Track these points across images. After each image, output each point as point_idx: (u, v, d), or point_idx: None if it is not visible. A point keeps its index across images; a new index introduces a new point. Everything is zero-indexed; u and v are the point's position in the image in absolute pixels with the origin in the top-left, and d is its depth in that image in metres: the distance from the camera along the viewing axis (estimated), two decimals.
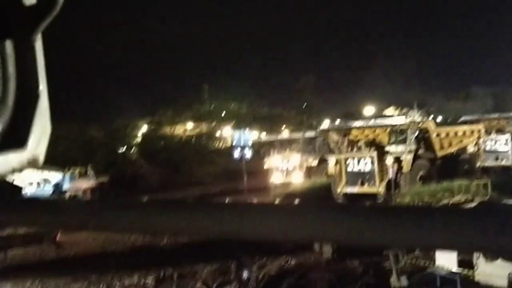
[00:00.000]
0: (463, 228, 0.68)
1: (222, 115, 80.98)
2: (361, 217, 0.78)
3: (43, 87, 0.95)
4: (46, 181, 38.69)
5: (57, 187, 38.53)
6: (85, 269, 19.23)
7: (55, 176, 39.03)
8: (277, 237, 0.89)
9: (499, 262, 14.10)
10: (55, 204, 1.05)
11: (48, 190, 38.30)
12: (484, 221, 0.67)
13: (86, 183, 39.08)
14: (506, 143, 40.60)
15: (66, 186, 38.24)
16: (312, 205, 0.85)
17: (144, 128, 74.98)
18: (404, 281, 14.84)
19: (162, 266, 18.28)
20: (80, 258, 21.54)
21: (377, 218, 0.75)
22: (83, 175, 39.79)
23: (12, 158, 0.89)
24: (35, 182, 38.37)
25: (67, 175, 38.77)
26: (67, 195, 37.36)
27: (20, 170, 0.91)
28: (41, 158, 0.95)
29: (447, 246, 0.70)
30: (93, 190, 39.34)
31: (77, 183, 38.66)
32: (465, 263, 14.40)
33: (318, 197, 31.58)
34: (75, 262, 20.66)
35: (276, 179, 39.50)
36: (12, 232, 21.71)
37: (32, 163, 0.93)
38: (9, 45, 0.92)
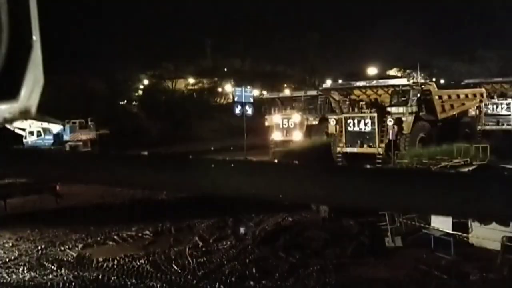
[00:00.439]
0: (444, 193, 0.67)
1: (224, 70, 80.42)
2: (342, 178, 0.77)
3: (36, 37, 0.93)
4: (47, 130, 38.78)
5: (58, 137, 38.63)
6: (84, 220, 19.45)
7: (55, 127, 39.09)
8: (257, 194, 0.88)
9: (493, 225, 14.24)
10: (48, 156, 1.05)
11: (48, 139, 38.43)
12: (464, 187, 0.67)
13: (87, 135, 39.13)
14: (508, 107, 40.52)
15: (66, 136, 38.29)
16: (296, 165, 0.84)
17: (145, 82, 74.67)
18: (398, 241, 15.01)
19: (160, 220, 18.49)
20: (79, 209, 21.75)
21: (359, 179, 0.75)
22: (83, 126, 39.77)
23: (4, 109, 0.88)
24: (36, 132, 38.47)
25: (68, 126, 38.77)
26: (68, 145, 37.47)
27: (12, 120, 0.91)
28: (33, 109, 0.94)
29: (426, 210, 0.70)
30: (93, 141, 39.42)
31: (78, 134, 38.70)
32: (460, 225, 14.55)
33: (318, 156, 31.67)
34: (74, 213, 20.88)
35: (276, 136, 39.55)
36: (12, 181, 21.86)
37: (24, 114, 0.92)
38: None
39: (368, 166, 0.71)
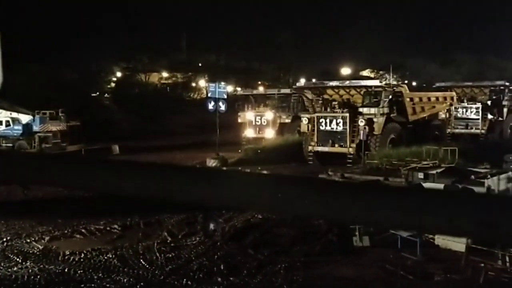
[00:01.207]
0: (387, 207, 0.70)
1: (199, 65, 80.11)
2: (296, 189, 0.80)
3: None
4: (16, 121, 38.13)
5: (27, 128, 38.00)
6: (51, 212, 19.22)
7: (25, 117, 38.45)
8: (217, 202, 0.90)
9: None
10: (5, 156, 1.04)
11: (17, 130, 37.80)
12: (407, 201, 0.70)
13: (57, 126, 38.56)
14: (477, 112, 41.28)
15: (36, 127, 37.70)
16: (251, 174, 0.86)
17: (118, 74, 73.97)
18: (366, 241, 15.15)
19: (129, 214, 18.36)
20: (47, 201, 21.48)
21: (310, 191, 0.77)
22: (54, 117, 39.19)
23: None
24: (5, 121, 37.81)
25: (38, 117, 38.17)
26: (37, 136, 36.93)
27: None
28: None
29: (368, 221, 0.72)
30: (64, 133, 38.89)
31: (48, 125, 38.12)
32: None
33: (289, 154, 31.80)
34: (41, 205, 20.62)
35: (249, 133, 39.61)
36: None
37: None
38: None
39: (324, 178, 0.73)
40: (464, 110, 41.66)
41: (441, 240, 14.80)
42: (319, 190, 0.75)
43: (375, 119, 30.66)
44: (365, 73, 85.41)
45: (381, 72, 78.52)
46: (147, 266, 13.21)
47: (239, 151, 34.82)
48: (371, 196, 0.71)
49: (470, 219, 0.66)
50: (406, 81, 57.69)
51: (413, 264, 13.41)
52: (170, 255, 14.20)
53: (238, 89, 55.03)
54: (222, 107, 33.65)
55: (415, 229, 0.63)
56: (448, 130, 40.56)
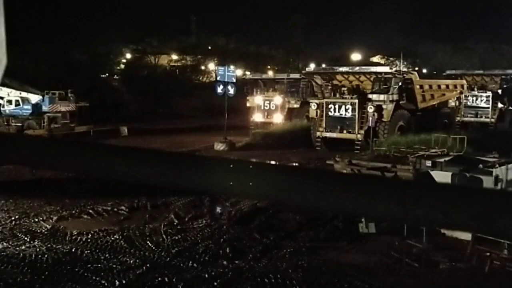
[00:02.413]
0: (383, 198, 0.70)
1: (208, 49, 79.89)
2: (296, 178, 0.79)
3: (1, 47, 0.91)
4: (25, 100, 38.27)
5: (36, 107, 38.15)
6: (60, 192, 19.34)
7: (35, 97, 38.59)
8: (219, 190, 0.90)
9: None
10: (8, 139, 1.04)
11: (27, 109, 37.95)
12: (403, 193, 0.69)
13: (66, 106, 38.70)
14: (487, 100, 41.02)
15: (45, 107, 37.85)
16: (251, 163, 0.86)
17: (128, 56, 73.93)
18: (372, 228, 15.16)
19: (136, 195, 18.44)
20: (55, 181, 21.59)
21: (308, 181, 0.77)
22: (63, 98, 39.31)
23: None
24: (14, 101, 37.96)
25: (47, 97, 38.29)
26: (46, 116, 37.08)
27: None
28: None
29: (365, 213, 0.72)
30: (72, 113, 39.04)
31: (57, 106, 38.26)
32: None
33: (297, 139, 31.78)
34: (50, 185, 20.74)
35: (257, 117, 39.56)
36: None
37: None
38: None
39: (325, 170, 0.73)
40: (474, 98, 41.41)
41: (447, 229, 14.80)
42: (316, 180, 0.75)
43: (384, 106, 30.56)
44: (376, 59, 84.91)
45: (391, 58, 78.05)
46: (154, 247, 13.30)
47: (252, 134, 34.77)
48: (368, 188, 0.71)
49: (465, 213, 0.66)
50: (416, 68, 57.36)
51: (419, 251, 13.42)
52: (176, 238, 14.27)
53: (247, 73, 54.82)
54: (231, 91, 33.63)
55: (412, 221, 0.63)
56: (458, 118, 40.34)
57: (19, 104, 37.98)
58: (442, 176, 15.34)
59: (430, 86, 34.85)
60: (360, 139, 30.31)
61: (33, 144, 0.97)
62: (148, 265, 12.21)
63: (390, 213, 0.73)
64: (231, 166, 0.85)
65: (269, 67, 73.28)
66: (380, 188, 0.73)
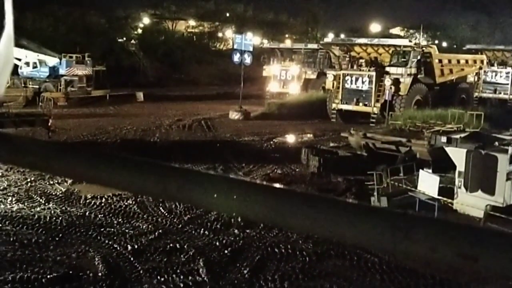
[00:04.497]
0: (374, 229, 0.69)
1: (226, 15, 79.23)
2: (288, 202, 0.79)
3: (8, 17, 0.90)
4: (43, 62, 38.41)
5: (53, 70, 38.30)
6: None
7: (52, 59, 38.71)
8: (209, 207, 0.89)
9: (479, 193, 14.43)
10: (14, 141, 1.04)
11: (44, 72, 38.12)
12: (393, 225, 0.69)
13: (83, 70, 38.79)
14: (506, 76, 40.43)
15: (62, 70, 37.97)
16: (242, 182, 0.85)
17: (145, 21, 73.56)
18: (384, 202, 15.16)
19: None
20: (71, 144, 21.81)
21: (298, 205, 0.77)
22: (80, 61, 39.38)
23: None
24: (32, 63, 38.11)
25: (64, 60, 38.38)
26: (63, 79, 37.22)
27: None
28: (2, 89, 0.93)
29: (353, 242, 0.72)
30: (89, 77, 39.14)
31: (74, 69, 38.36)
32: (446, 190, 14.71)
33: (313, 111, 31.67)
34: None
35: (273, 87, 39.42)
36: (5, 111, 21.82)
37: None
38: None
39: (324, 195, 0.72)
40: (494, 74, 40.81)
41: (460, 205, 14.76)
42: (306, 205, 0.75)
43: (401, 79, 30.28)
44: (395, 31, 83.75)
45: (411, 31, 76.97)
46: (166, 214, 13.43)
47: (267, 104, 34.67)
48: (359, 217, 0.71)
49: (452, 250, 0.66)
50: (436, 42, 56.57)
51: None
52: (189, 205, 14.40)
53: (265, 41, 54.45)
54: (247, 59, 33.47)
55: (401, 254, 0.63)
56: (476, 94, 39.84)
57: (36, 67, 38.14)
58: (457, 153, 15.24)
59: (449, 61, 34.41)
60: (376, 112, 30.15)
61: (41, 150, 0.98)
62: (160, 230, 12.36)
63: (380, 245, 0.73)
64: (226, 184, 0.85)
65: (287, 36, 72.62)
66: (371, 218, 0.73)
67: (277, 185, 0.83)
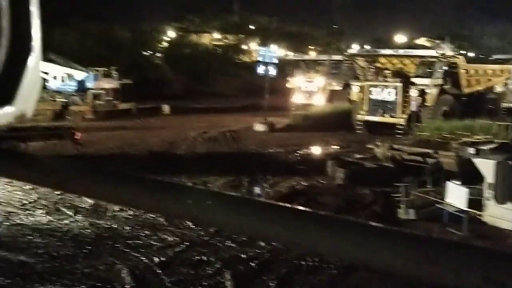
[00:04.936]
0: (397, 253, 0.69)
1: (251, 28, 79.58)
2: (312, 224, 0.79)
3: (36, 40, 0.92)
4: (70, 77, 38.97)
5: (81, 84, 38.83)
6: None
7: (79, 73, 39.25)
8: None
9: (509, 205, 14.19)
10: (38, 161, 1.06)
11: (72, 85, 38.66)
12: (416, 249, 0.68)
13: (110, 83, 39.27)
14: None
15: (89, 84, 38.48)
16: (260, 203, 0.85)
17: (170, 34, 74.24)
18: (411, 214, 15.02)
19: (176, 174, 18.68)
20: (97, 157, 22.07)
21: (325, 228, 0.77)
22: (107, 75, 39.89)
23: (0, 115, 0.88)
24: (59, 77, 38.68)
25: (92, 74, 38.91)
26: (90, 93, 37.69)
27: (6, 125, 0.90)
28: (29, 112, 0.94)
29: (377, 266, 0.71)
30: (116, 91, 39.58)
31: (101, 83, 38.85)
32: (475, 203, 14.51)
33: (338, 122, 31.55)
34: (93, 161, 21.18)
35: (297, 99, 39.38)
36: (33, 125, 22.15)
37: (19, 118, 0.92)
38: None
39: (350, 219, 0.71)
40: None
41: (489, 217, 14.53)
42: (329, 227, 0.75)
43: (428, 90, 30.04)
44: (420, 41, 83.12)
45: (437, 41, 76.35)
46: (192, 226, 13.46)
47: (292, 115, 34.66)
48: (380, 238, 0.70)
49: (477, 274, 0.65)
50: (463, 52, 56.02)
51: (459, 239, 13.23)
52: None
53: (289, 53, 54.50)
54: (272, 71, 33.53)
55: (425, 279, 0.62)
56: (504, 105, 39.24)
57: (64, 80, 38.70)
58: (485, 164, 15.04)
59: (476, 71, 34.04)
60: (402, 123, 29.92)
61: (63, 170, 0.99)
62: (186, 243, 12.40)
63: (402, 269, 0.73)
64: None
65: (311, 47, 72.63)
66: (393, 241, 0.73)
67: (289, 205, 0.83)
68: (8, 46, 0.89)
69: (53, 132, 22.97)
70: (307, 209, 0.85)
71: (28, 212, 14.53)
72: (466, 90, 32.66)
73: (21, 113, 0.92)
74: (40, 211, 14.60)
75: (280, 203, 0.87)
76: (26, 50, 0.90)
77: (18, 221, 13.76)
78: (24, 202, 15.34)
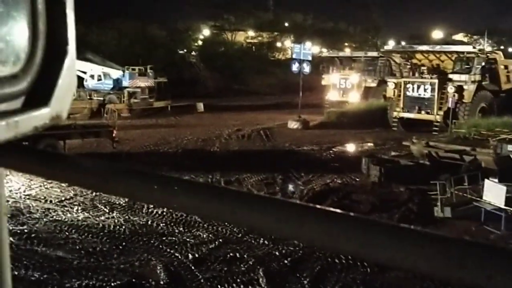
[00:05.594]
0: (428, 254, 0.68)
1: (285, 25, 79.45)
2: (338, 223, 0.78)
3: (71, 43, 0.94)
4: (107, 75, 39.54)
5: (117, 82, 39.37)
6: (137, 165, 19.96)
7: (115, 72, 39.80)
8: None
9: None
10: (70, 161, 1.08)
11: (108, 84, 39.23)
12: (447, 251, 0.67)
13: (145, 82, 39.71)
14: None
15: (125, 82, 38.99)
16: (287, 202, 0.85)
17: (205, 32, 74.69)
18: (447, 212, 14.78)
19: (210, 171, 18.81)
20: (134, 155, 22.38)
21: (350, 228, 0.76)
22: (142, 73, 40.36)
23: (36, 116, 0.90)
24: (96, 76, 39.29)
25: (127, 72, 39.41)
26: (126, 91, 38.17)
27: (42, 128, 0.93)
28: (64, 114, 0.96)
29: (408, 267, 0.70)
30: (151, 89, 40.02)
31: (136, 81, 39.32)
32: None
33: (373, 119, 31.26)
34: (129, 158, 21.48)
35: (332, 96, 39.15)
36: (71, 123, 22.54)
37: (55, 120, 0.94)
38: (40, 1, 0.90)
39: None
40: None
41: None
42: (357, 228, 0.74)
43: (465, 87, 29.51)
44: (458, 37, 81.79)
45: (475, 37, 74.99)
46: (226, 224, 13.53)
47: (327, 113, 34.49)
48: (411, 242, 0.69)
49: (510, 279, 0.63)
50: (501, 47, 54.90)
51: (496, 238, 12.99)
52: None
53: (324, 50, 54.19)
54: (306, 68, 33.41)
55: (455, 281, 0.61)
56: None
57: (101, 79, 39.31)
58: None
59: None
60: (438, 120, 29.48)
61: (99, 170, 1.01)
62: (220, 240, 12.47)
63: (433, 272, 0.71)
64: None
65: (346, 44, 72.16)
66: (424, 244, 0.72)
67: (322, 207, 0.83)
68: (44, 49, 0.91)
69: (90, 130, 23.34)
70: (331, 209, 0.85)
71: (65, 208, 14.81)
72: (505, 86, 31.98)
73: (56, 115, 0.94)
74: (77, 207, 14.87)
75: (303, 203, 0.87)
76: (62, 53, 0.92)
77: (56, 218, 14.03)
78: (62, 198, 15.64)
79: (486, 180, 14.93)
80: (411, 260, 0.70)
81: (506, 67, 32.15)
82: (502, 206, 13.95)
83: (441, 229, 13.78)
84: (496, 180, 14.81)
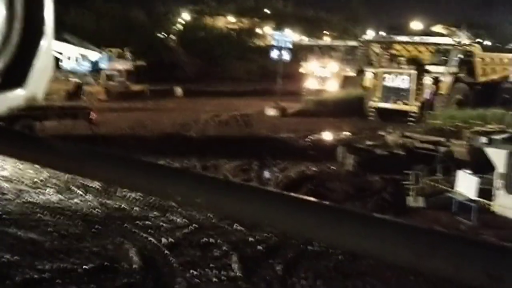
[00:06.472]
0: (397, 243, 0.69)
1: (266, 12, 79.14)
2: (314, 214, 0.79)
3: (49, 23, 0.93)
4: (84, 57, 39.07)
5: (95, 64, 38.93)
6: (115, 148, 19.81)
7: (93, 54, 39.34)
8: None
9: None
10: (46, 143, 1.07)
11: (85, 66, 38.77)
12: (418, 241, 0.68)
13: (123, 65, 39.34)
14: None
15: (103, 65, 38.57)
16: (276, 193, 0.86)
17: (185, 16, 74.05)
18: (420, 201, 14.98)
19: (186, 156, 18.76)
20: (110, 138, 22.19)
21: (327, 217, 0.77)
22: (121, 56, 39.96)
23: (10, 97, 0.89)
24: (74, 57, 38.80)
25: (105, 54, 38.98)
26: (104, 74, 37.76)
27: (17, 108, 0.92)
28: (40, 96, 0.95)
29: (377, 256, 0.71)
30: (129, 72, 39.65)
31: (115, 64, 38.92)
32: (485, 192, 14.42)
33: (350, 108, 31.42)
34: (105, 141, 21.30)
35: (310, 84, 39.25)
36: (48, 104, 22.23)
37: (30, 101, 0.93)
38: None
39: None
40: None
41: (498, 207, 14.45)
42: (328, 217, 0.75)
43: (442, 78, 29.81)
44: (436, 29, 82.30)
45: (453, 29, 75.56)
46: (201, 210, 13.53)
47: (305, 101, 34.56)
48: (381, 229, 0.70)
49: (477, 268, 0.64)
50: (479, 40, 55.40)
51: (466, 228, 13.20)
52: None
53: (304, 38, 54.21)
54: (286, 56, 33.40)
55: (425, 271, 0.62)
56: None
57: (78, 61, 38.82)
58: (497, 154, 14.92)
59: (492, 60, 33.68)
60: (415, 111, 29.75)
61: (71, 152, 1.01)
62: (195, 225, 12.47)
63: (402, 260, 0.72)
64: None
65: (326, 33, 72.20)
66: (393, 232, 0.73)
67: (296, 195, 0.84)
68: (20, 29, 0.90)
69: (67, 112, 23.08)
70: (305, 197, 0.86)
71: (38, 190, 14.67)
72: (481, 79, 32.35)
73: (31, 96, 0.93)
74: (51, 189, 14.73)
75: (279, 191, 0.88)
76: (38, 33, 0.91)
77: (29, 199, 13.90)
78: (35, 180, 15.47)
79: (459, 171, 15.14)
80: (381, 248, 0.71)
81: (483, 59, 32.51)
82: (474, 197, 14.16)
83: (413, 218, 13.96)
84: (469, 172, 15.02)
